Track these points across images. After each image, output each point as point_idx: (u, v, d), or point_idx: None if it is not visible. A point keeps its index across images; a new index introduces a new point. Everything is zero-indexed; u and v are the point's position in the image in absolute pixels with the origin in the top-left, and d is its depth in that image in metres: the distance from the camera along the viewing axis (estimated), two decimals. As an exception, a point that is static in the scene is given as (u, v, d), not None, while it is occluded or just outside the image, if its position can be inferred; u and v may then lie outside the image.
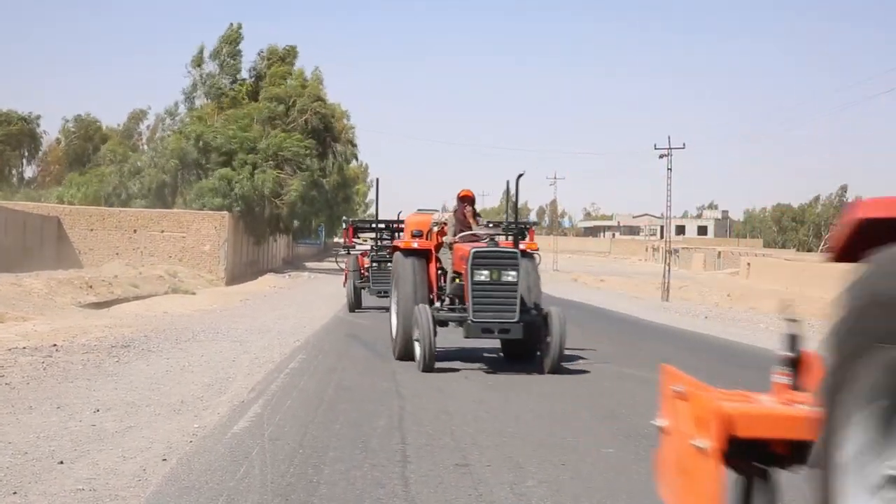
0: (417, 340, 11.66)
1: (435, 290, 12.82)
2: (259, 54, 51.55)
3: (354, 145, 57.41)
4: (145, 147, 55.43)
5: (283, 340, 14.99)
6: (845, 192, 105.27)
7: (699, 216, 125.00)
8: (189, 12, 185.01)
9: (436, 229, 13.37)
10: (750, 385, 3.68)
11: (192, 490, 5.65)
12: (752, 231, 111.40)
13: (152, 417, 8.08)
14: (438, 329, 11.82)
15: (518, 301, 11.58)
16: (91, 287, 25.33)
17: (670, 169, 39.33)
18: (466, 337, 11.94)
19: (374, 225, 23.06)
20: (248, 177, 43.47)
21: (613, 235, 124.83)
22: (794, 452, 3.03)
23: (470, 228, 12.94)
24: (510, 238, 12.69)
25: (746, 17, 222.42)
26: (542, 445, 7.30)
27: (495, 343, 13.51)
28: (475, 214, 13.35)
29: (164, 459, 6.47)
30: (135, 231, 38.58)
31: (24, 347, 12.13)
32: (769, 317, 25.62)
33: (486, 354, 13.53)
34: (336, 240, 77.48)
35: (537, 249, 13.78)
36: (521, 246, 12.47)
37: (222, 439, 7.17)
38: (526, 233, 15.67)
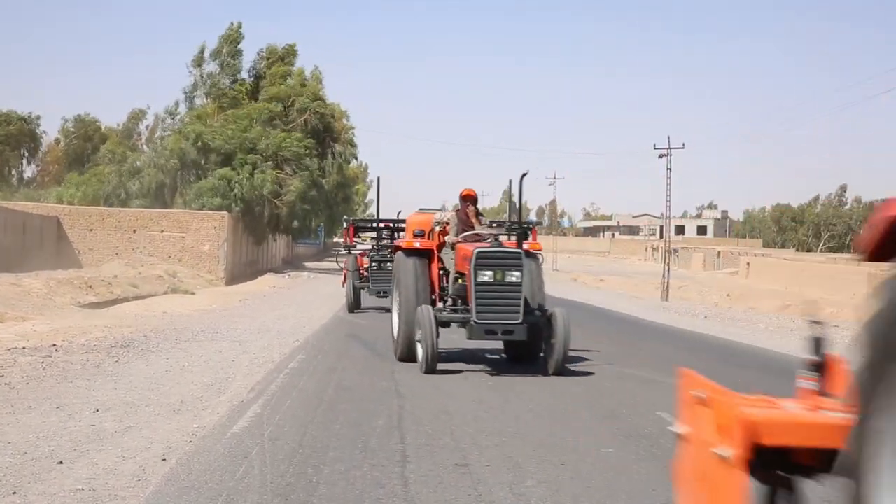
0: (420, 342, 11.51)
1: (437, 290, 12.67)
2: (258, 54, 51.61)
3: (354, 145, 57.47)
4: (145, 147, 55.41)
5: (283, 340, 14.99)
6: (845, 191, 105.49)
7: (699, 216, 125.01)
8: (189, 12, 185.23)
9: (437, 229, 13.19)
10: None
11: (191, 490, 5.64)
12: (752, 231, 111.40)
13: (152, 417, 8.08)
14: (440, 330, 11.67)
15: (522, 302, 11.42)
16: (90, 287, 25.32)
17: (670, 169, 39.32)
18: (469, 338, 11.77)
19: (374, 224, 22.95)
20: (247, 177, 43.47)
21: (613, 235, 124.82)
22: (820, 461, 2.92)
23: (472, 228, 12.77)
24: (514, 238, 12.57)
25: (746, 17, 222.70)
26: (542, 445, 7.29)
27: (497, 344, 13.38)
28: (478, 214, 13.18)
29: (164, 459, 6.46)
30: (134, 231, 38.57)
31: (24, 347, 12.13)
32: (769, 317, 25.63)
33: (488, 356, 13.43)
34: (336, 240, 77.51)
35: (541, 249, 13.55)
36: (525, 246, 12.30)
37: (222, 439, 7.17)
38: (529, 233, 15.49)
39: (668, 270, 36.30)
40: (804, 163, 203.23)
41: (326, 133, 50.61)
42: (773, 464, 2.99)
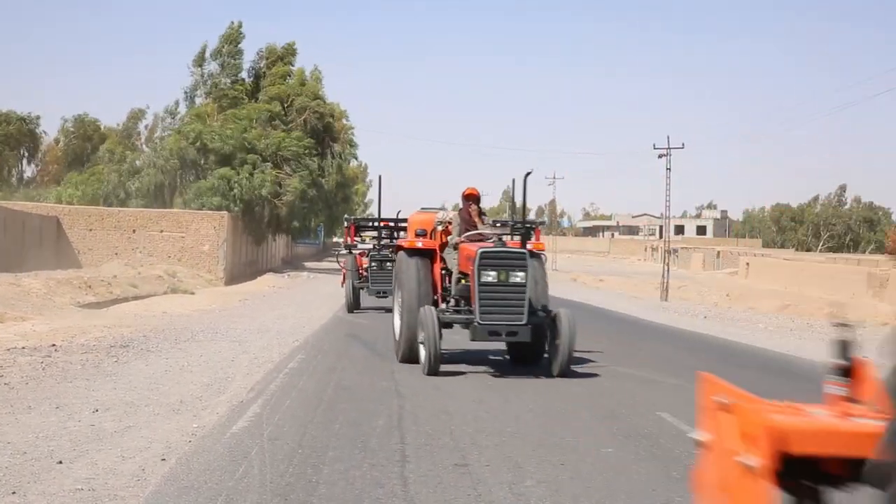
0: (422, 343, 11.33)
1: (440, 291, 12.50)
2: (258, 53, 51.61)
3: (354, 145, 57.50)
4: (144, 147, 55.39)
5: (283, 340, 14.98)
6: (844, 191, 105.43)
7: (698, 216, 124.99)
8: (189, 12, 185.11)
9: (440, 228, 12.99)
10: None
11: (191, 490, 5.64)
12: (751, 231, 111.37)
13: (151, 417, 8.08)
14: (442, 331, 11.49)
15: (527, 303, 11.25)
16: (90, 287, 25.31)
17: (669, 169, 39.29)
18: (473, 340, 11.62)
19: (375, 224, 22.78)
20: (247, 176, 43.46)
21: (612, 235, 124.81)
22: (848, 470, 2.82)
23: (475, 228, 12.56)
24: (517, 238, 12.44)
25: (746, 17, 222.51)
26: (542, 445, 7.29)
27: (500, 345, 13.24)
28: (480, 213, 12.97)
29: (163, 459, 6.46)
30: (134, 231, 38.56)
31: (23, 347, 12.13)
32: (768, 317, 25.63)
33: (491, 357, 13.33)
34: (336, 239, 77.51)
35: (544, 249, 13.41)
36: (528, 246, 12.12)
37: (221, 439, 7.17)
38: (532, 232, 15.30)
39: (668, 270, 36.30)
40: (804, 163, 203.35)
41: (326, 133, 50.61)
42: (800, 473, 2.89)
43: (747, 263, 55.88)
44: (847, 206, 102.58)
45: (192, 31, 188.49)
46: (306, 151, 45.99)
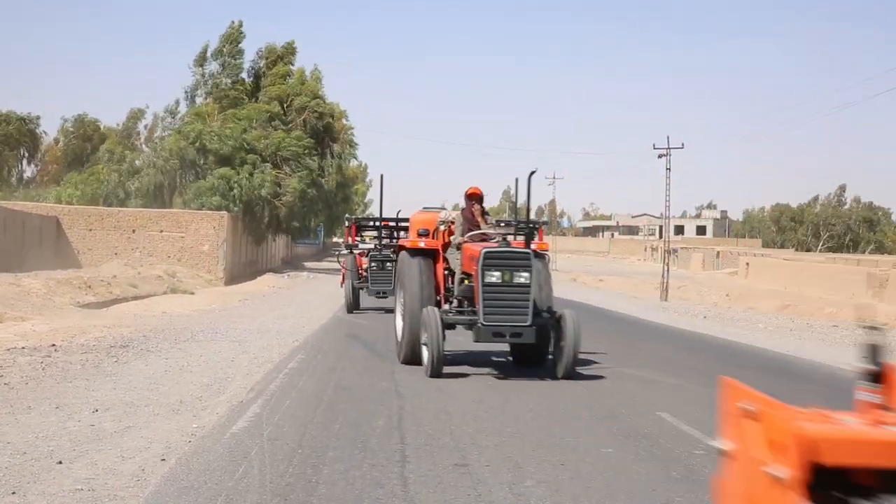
0: (426, 345, 11.18)
1: (442, 291, 12.37)
2: (258, 53, 51.58)
3: (353, 145, 57.50)
4: (144, 147, 55.37)
5: (282, 340, 14.98)
6: (844, 191, 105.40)
7: (698, 216, 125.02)
8: (189, 12, 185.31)
9: (442, 228, 12.85)
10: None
11: (190, 490, 5.64)
12: (751, 231, 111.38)
13: (151, 417, 8.08)
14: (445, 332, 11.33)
15: (531, 304, 11.09)
16: (90, 287, 25.30)
17: (669, 169, 39.29)
18: (476, 341, 11.43)
19: (376, 223, 22.67)
20: (246, 176, 43.46)
21: (612, 235, 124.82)
22: (881, 481, 2.71)
23: (478, 227, 12.37)
24: (520, 238, 12.25)
25: (746, 17, 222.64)
26: (542, 445, 7.29)
27: (503, 346, 13.06)
28: (483, 213, 12.75)
29: (163, 459, 6.46)
30: (133, 231, 38.56)
31: (23, 347, 12.12)
32: (768, 317, 25.63)
33: (494, 358, 13.23)
34: (336, 239, 77.50)
35: (548, 249, 13.26)
36: (532, 246, 11.91)
37: (221, 439, 7.17)
38: (535, 232, 15.10)
39: (668, 270, 36.30)
40: (804, 163, 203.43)
41: (326, 133, 50.59)
42: (830, 484, 2.75)
43: (747, 263, 55.89)
44: (847, 207, 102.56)
45: (192, 31, 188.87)
46: (306, 151, 45.98)
